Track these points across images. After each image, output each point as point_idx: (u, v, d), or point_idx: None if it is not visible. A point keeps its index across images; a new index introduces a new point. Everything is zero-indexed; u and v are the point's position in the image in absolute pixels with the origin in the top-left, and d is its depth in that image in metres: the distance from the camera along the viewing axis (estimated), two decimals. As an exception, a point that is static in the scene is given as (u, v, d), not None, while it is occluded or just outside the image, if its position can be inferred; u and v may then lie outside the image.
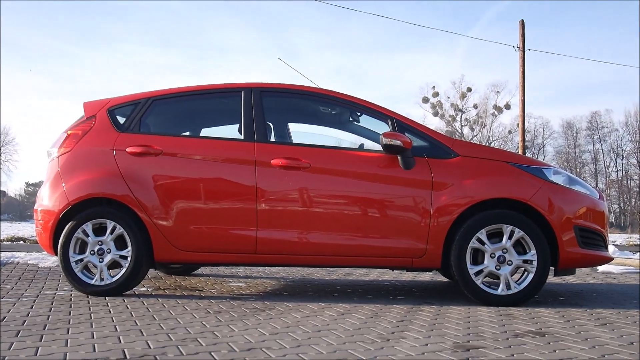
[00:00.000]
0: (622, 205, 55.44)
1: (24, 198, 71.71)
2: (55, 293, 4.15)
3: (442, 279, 5.54)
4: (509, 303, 3.75)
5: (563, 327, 3.04)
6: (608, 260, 4.06)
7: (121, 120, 4.26)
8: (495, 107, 49.75)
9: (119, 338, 2.66)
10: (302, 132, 4.96)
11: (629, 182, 55.60)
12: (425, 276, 5.86)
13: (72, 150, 4.16)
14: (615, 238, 22.28)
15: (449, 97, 50.63)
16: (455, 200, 3.82)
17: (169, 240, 3.96)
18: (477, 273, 3.78)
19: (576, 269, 4.68)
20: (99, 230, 4.01)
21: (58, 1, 78.72)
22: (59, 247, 3.98)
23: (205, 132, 4.89)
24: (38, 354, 2.34)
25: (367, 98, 4.25)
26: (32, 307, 3.51)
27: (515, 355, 2.42)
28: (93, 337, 2.67)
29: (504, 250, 3.78)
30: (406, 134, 3.98)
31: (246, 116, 4.15)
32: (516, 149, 36.38)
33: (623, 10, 66.97)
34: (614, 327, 3.08)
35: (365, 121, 4.49)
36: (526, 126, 21.02)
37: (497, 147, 18.33)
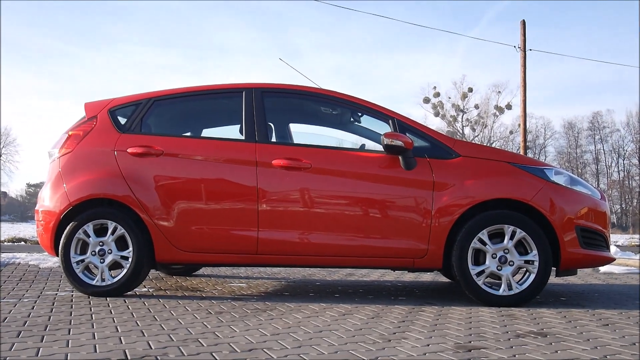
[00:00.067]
0: (623, 206, 55.39)
1: (25, 199, 71.84)
2: (57, 294, 4.15)
3: (444, 279, 5.53)
4: (511, 303, 3.74)
5: (565, 328, 3.03)
6: (610, 260, 4.05)
7: (122, 120, 4.26)
8: (497, 107, 49.79)
9: (120, 339, 2.66)
10: (303, 133, 4.96)
11: (630, 182, 55.57)
12: (427, 277, 5.86)
13: (73, 151, 4.16)
14: (617, 238, 22.29)
15: (450, 98, 50.75)
16: (457, 200, 3.82)
17: (170, 240, 3.96)
18: (479, 273, 3.78)
19: (578, 270, 4.68)
20: (100, 231, 4.01)
21: (58, 1, 78.92)
22: (60, 248, 3.98)
23: (207, 132, 4.89)
24: (39, 355, 2.34)
25: (368, 98, 4.26)
26: (33, 308, 3.51)
27: (516, 355, 2.41)
28: (94, 338, 2.67)
29: (506, 251, 3.77)
30: (407, 134, 3.98)
31: (247, 117, 4.15)
32: (517, 149, 36.37)
33: (623, 10, 66.98)
34: (615, 327, 3.07)
35: (367, 121, 4.49)
36: (527, 126, 21.00)
37: (498, 148, 18.29)
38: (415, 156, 3.91)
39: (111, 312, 3.37)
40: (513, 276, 3.78)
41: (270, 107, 4.27)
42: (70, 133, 4.25)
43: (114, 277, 3.98)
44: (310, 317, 3.29)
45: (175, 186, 4.03)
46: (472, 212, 3.81)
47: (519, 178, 3.89)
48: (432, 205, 3.83)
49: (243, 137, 4.11)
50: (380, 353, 2.44)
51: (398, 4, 68.79)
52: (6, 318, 3.16)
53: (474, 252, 3.80)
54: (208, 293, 4.32)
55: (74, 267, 3.96)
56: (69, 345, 2.51)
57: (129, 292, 4.10)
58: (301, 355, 2.39)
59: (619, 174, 56.64)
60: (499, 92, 49.90)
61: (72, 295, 4.07)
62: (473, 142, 34.52)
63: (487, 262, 3.78)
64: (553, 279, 5.47)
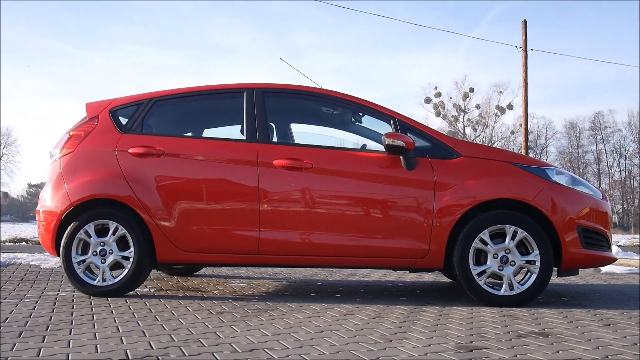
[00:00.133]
0: (625, 206, 55.34)
1: (26, 199, 71.92)
2: (58, 294, 4.15)
3: (445, 279, 5.53)
4: (512, 304, 3.74)
5: (566, 328, 3.03)
6: (611, 260, 4.05)
7: (123, 121, 4.26)
8: (498, 107, 49.77)
9: (122, 339, 2.66)
10: (304, 133, 4.96)
11: (632, 182, 55.51)
12: (428, 277, 5.85)
13: (75, 151, 4.16)
14: (618, 238, 22.26)
15: (451, 98, 50.74)
16: (458, 200, 3.81)
17: (171, 241, 3.96)
18: (480, 274, 3.78)
19: (579, 270, 4.67)
20: (102, 231, 4.01)
21: (59, 1, 78.99)
22: (61, 248, 3.99)
23: (208, 132, 4.90)
24: (40, 355, 2.34)
25: (369, 98, 4.25)
26: (34, 308, 3.51)
27: (518, 355, 2.41)
28: (95, 338, 2.67)
29: (507, 251, 3.77)
30: (408, 134, 3.98)
31: (248, 117, 4.15)
32: (519, 149, 36.35)
33: (624, 10, 66.92)
34: (617, 327, 3.07)
35: (368, 121, 4.49)
36: (529, 126, 20.97)
37: (499, 148, 18.26)
38: (416, 156, 3.91)
39: (112, 312, 3.37)
40: (514, 276, 3.78)
41: (271, 107, 4.27)
42: (71, 133, 4.25)
43: (115, 277, 3.98)
44: (311, 317, 3.29)
45: (177, 186, 4.04)
46: (473, 212, 3.81)
47: (520, 178, 3.89)
48: (433, 205, 3.83)
49: (244, 137, 4.11)
50: (382, 353, 2.43)
51: (399, 4, 68.86)
52: (7, 318, 3.16)
53: (476, 252, 3.80)
54: (209, 293, 4.32)
55: (75, 267, 3.97)
56: (70, 346, 2.51)
57: (130, 292, 4.10)
58: (302, 355, 2.38)
59: (620, 174, 56.62)
60: (501, 92, 49.91)
61: (74, 295, 4.08)
62: (474, 142, 34.51)
63: (488, 262, 3.78)
64: (554, 279, 5.47)
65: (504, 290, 3.76)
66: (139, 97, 4.35)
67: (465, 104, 50.85)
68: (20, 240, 13.18)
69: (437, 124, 49.01)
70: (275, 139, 4.43)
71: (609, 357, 2.40)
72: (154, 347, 2.49)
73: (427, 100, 49.71)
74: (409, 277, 5.83)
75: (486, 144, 45.68)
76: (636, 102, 73.35)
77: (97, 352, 2.40)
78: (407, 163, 3.89)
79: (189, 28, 77.76)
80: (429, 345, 2.59)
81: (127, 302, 3.78)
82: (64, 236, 3.99)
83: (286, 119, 4.75)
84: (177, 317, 3.26)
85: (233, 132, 4.48)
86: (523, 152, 19.35)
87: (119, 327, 2.93)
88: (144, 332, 2.81)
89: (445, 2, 70.53)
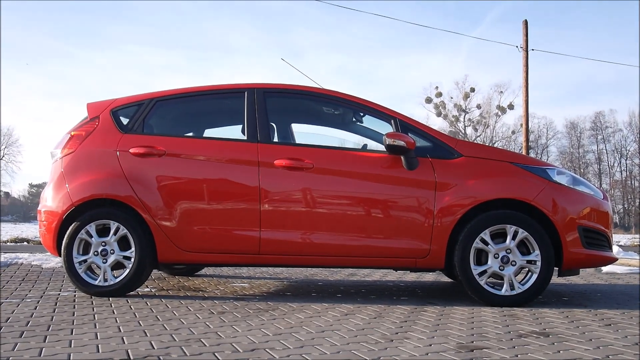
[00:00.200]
0: (626, 206, 55.29)
1: (28, 199, 71.99)
2: (59, 294, 4.16)
3: (446, 279, 5.53)
4: (513, 303, 3.74)
5: (567, 328, 3.03)
6: (612, 260, 4.05)
7: (124, 121, 4.27)
8: (499, 107, 49.71)
9: (123, 339, 2.66)
10: (305, 133, 4.96)
11: (633, 182, 55.48)
12: (429, 277, 5.85)
13: (76, 151, 4.16)
14: (619, 238, 22.24)
15: (452, 98, 50.68)
16: (459, 200, 3.81)
17: (173, 241, 3.97)
18: (481, 273, 3.78)
19: (580, 270, 4.67)
20: (103, 231, 4.02)
21: (59, 2, 79.04)
22: (62, 248, 3.99)
23: (209, 132, 4.90)
24: (42, 355, 2.35)
25: (370, 98, 4.26)
26: (35, 308, 3.51)
27: (519, 355, 2.41)
28: (97, 338, 2.67)
29: (508, 251, 3.77)
30: (409, 134, 3.98)
31: (249, 117, 4.15)
32: (520, 149, 36.32)
33: (624, 10, 66.86)
34: (618, 327, 3.07)
35: (369, 121, 4.49)
36: (530, 126, 20.97)
37: (500, 148, 18.27)
38: (417, 156, 3.91)
39: (114, 312, 3.38)
40: (515, 276, 3.78)
41: (272, 107, 4.27)
42: (72, 133, 4.26)
43: (116, 277, 3.99)
44: (312, 317, 3.29)
45: (178, 186, 4.04)
46: (474, 212, 3.81)
47: (521, 178, 3.89)
48: (434, 205, 3.83)
49: (245, 137, 4.11)
50: (383, 353, 2.44)
51: (400, 4, 68.89)
52: (9, 318, 3.16)
53: (476, 252, 3.80)
54: (210, 293, 4.32)
55: (76, 267, 3.97)
56: (72, 345, 2.51)
57: (131, 292, 4.10)
58: (303, 355, 2.39)
59: (621, 173, 56.60)
60: (501, 92, 49.83)
61: (75, 295, 4.08)
62: (475, 142, 34.50)
63: (489, 262, 3.78)
64: (555, 279, 5.47)
65: (504, 290, 3.76)
66: (140, 97, 4.36)
67: (466, 104, 50.82)
68: (22, 240, 13.19)
69: (438, 124, 49.01)
70: (276, 139, 4.43)
71: (610, 357, 2.40)
72: (155, 347, 2.49)
73: (428, 100, 49.68)
74: (410, 277, 5.83)
75: (487, 144, 45.66)
76: (636, 102, 73.36)
77: (98, 352, 2.41)
78: (408, 163, 3.90)
79: (190, 28, 77.96)
80: (430, 345, 2.59)
81: (128, 302, 3.78)
82: (65, 236, 3.99)
83: (287, 119, 4.75)
84: (178, 317, 3.27)
85: (234, 132, 4.48)
86: (524, 152, 19.34)
87: (121, 327, 2.93)
88: (145, 332, 2.81)
89: (446, 2, 70.59)
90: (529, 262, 3.76)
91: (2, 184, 61.44)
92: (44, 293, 4.19)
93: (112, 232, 3.98)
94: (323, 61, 75.90)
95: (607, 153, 56.54)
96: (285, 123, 4.73)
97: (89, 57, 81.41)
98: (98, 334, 2.77)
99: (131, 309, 3.52)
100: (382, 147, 4.00)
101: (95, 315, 3.27)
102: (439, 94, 49.69)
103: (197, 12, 77.82)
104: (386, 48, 75.68)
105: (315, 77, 4.75)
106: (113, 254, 3.98)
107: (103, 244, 3.99)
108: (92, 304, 3.69)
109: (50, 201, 4.13)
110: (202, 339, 2.66)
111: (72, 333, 2.78)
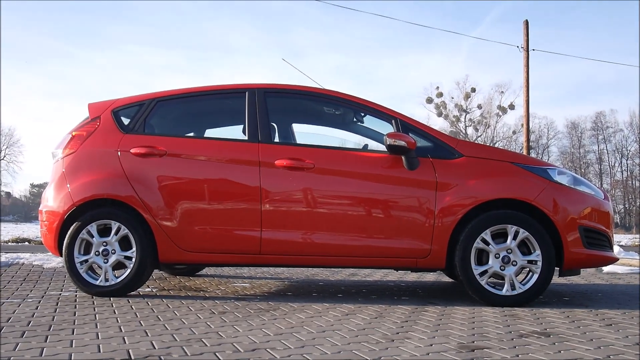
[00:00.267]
0: (627, 206, 55.25)
1: (29, 199, 72.06)
2: (60, 294, 4.16)
3: (447, 279, 5.53)
4: (514, 303, 3.74)
5: (568, 328, 3.03)
6: (613, 260, 4.05)
7: (125, 121, 4.27)
8: (500, 107, 49.68)
9: (124, 338, 2.66)
10: (306, 133, 4.96)
11: (633, 182, 55.43)
12: (430, 277, 5.85)
13: (77, 151, 4.17)
14: (620, 238, 22.21)
15: (453, 98, 50.65)
16: (460, 200, 3.81)
17: (174, 241, 3.97)
18: (482, 273, 3.78)
19: (581, 270, 4.67)
20: (104, 231, 4.02)
21: (60, 2, 79.09)
22: (63, 248, 3.99)
23: (210, 133, 4.90)
24: (43, 355, 2.35)
25: (371, 98, 4.26)
26: (37, 308, 3.52)
27: (520, 355, 2.41)
28: (98, 338, 2.67)
29: (509, 251, 3.77)
30: (410, 134, 3.98)
31: (250, 117, 4.15)
32: (520, 150, 36.30)
33: (624, 10, 66.82)
34: (619, 327, 3.07)
35: (369, 122, 4.49)
36: (530, 126, 20.95)
37: (501, 148, 18.25)
38: (418, 156, 3.91)
39: (115, 312, 3.38)
40: (516, 276, 3.78)
41: (273, 107, 4.28)
42: (73, 133, 4.26)
43: (117, 277, 3.99)
44: (313, 317, 3.29)
45: (179, 186, 4.04)
46: (475, 212, 3.81)
47: (522, 178, 3.89)
48: (435, 205, 3.83)
49: (246, 138, 4.12)
50: (384, 353, 2.44)
51: (401, 4, 68.88)
52: (10, 318, 3.17)
53: (477, 252, 3.80)
54: (211, 293, 4.32)
55: (77, 267, 3.97)
56: (73, 345, 2.52)
57: (132, 292, 4.11)
58: (304, 355, 2.39)
59: (622, 173, 56.56)
60: (502, 92, 49.79)
61: (76, 295, 4.09)
62: (476, 142, 34.50)
63: (490, 262, 3.78)
64: (556, 279, 5.47)
65: (505, 290, 3.76)
66: (141, 97, 4.36)
67: (467, 104, 50.78)
68: (23, 240, 13.19)
69: (439, 124, 48.98)
70: (277, 139, 4.43)
71: (611, 357, 2.40)
72: (156, 347, 2.50)
73: (429, 100, 49.64)
74: (411, 277, 5.83)
75: (488, 144, 45.65)
76: (637, 102, 73.31)
77: (99, 352, 2.41)
78: (409, 163, 3.90)
79: (190, 28, 77.98)
80: (431, 345, 2.59)
81: (129, 302, 3.79)
82: (67, 236, 3.99)
83: (288, 119, 4.76)
84: (179, 317, 3.27)
85: (235, 132, 4.48)
86: (525, 152, 19.34)
87: (122, 327, 2.93)
88: (146, 332, 2.81)
89: (446, 2, 70.57)
90: (529, 262, 3.76)
91: (3, 184, 61.55)
92: (45, 293, 4.19)
93: (113, 232, 3.98)
94: (323, 61, 75.96)
95: (608, 153, 56.56)
96: (286, 123, 4.73)
97: (89, 57, 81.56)
98: (99, 333, 2.77)
99: (132, 309, 3.52)
100: (383, 147, 4.00)
101: (97, 315, 3.27)
102: (440, 94, 49.67)
103: (197, 12, 77.92)
104: (386, 48, 75.75)
105: (316, 77, 4.76)
106: (114, 254, 3.98)
107: (104, 244, 3.99)
108: (93, 304, 3.70)
109: (52, 201, 4.14)
110: (203, 339, 2.67)
111: (73, 333, 2.78)
